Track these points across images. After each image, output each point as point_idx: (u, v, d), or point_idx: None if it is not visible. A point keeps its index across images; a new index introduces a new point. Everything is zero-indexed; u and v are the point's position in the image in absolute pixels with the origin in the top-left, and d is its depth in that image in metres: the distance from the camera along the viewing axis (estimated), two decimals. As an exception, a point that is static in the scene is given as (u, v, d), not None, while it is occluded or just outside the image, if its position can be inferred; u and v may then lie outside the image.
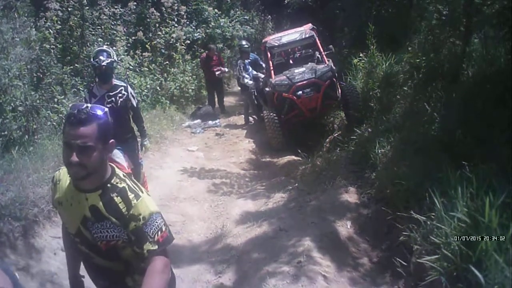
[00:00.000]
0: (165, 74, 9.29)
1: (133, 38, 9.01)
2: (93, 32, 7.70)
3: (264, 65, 9.07)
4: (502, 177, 2.55)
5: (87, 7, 7.63)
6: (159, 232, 1.54)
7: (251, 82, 8.27)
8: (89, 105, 1.50)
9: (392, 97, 5.58)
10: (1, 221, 3.38)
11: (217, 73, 9.18)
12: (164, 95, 8.86)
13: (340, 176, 4.56)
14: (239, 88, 9.46)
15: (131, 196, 1.57)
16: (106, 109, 1.55)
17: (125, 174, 1.65)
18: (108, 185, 1.58)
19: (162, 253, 1.56)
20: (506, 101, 3.25)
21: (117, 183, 1.59)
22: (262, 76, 8.52)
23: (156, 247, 1.53)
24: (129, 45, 8.64)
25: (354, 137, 5.37)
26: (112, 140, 1.55)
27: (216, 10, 12.29)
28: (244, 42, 9.22)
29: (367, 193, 4.06)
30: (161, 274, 1.50)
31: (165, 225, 1.58)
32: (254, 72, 8.58)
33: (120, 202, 1.55)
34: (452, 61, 4.61)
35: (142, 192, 1.62)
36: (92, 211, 1.57)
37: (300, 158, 6.16)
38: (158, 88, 8.75)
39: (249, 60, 8.73)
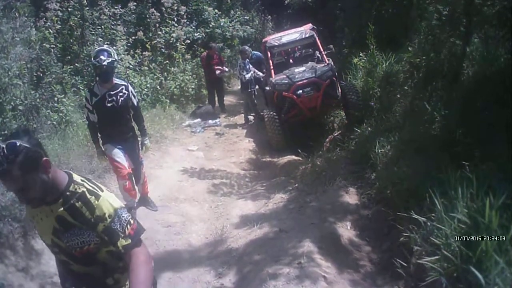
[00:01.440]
0: (165, 73, 9.29)
1: (133, 38, 9.01)
2: (93, 32, 7.71)
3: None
4: (502, 177, 2.55)
5: (87, 7, 7.64)
6: (128, 226, 1.58)
7: (247, 75, 8.29)
8: (4, 146, 1.44)
9: (392, 97, 5.58)
10: (1, 222, 3.38)
11: (217, 72, 9.19)
12: (164, 94, 8.87)
13: (340, 176, 4.56)
14: (239, 87, 9.48)
15: (91, 198, 1.59)
16: (21, 141, 1.47)
17: (83, 179, 1.66)
18: (67, 193, 1.60)
19: (138, 245, 1.59)
20: (506, 101, 3.24)
21: (75, 189, 1.61)
22: (262, 75, 8.55)
23: (130, 240, 1.57)
24: (129, 44, 8.64)
25: (354, 137, 5.37)
26: (44, 158, 1.52)
27: (216, 10, 12.29)
28: (246, 47, 9.35)
29: (367, 193, 4.06)
30: (145, 265, 1.54)
31: (132, 218, 1.62)
32: (256, 72, 8.63)
33: (81, 207, 1.57)
34: (452, 61, 4.60)
35: (102, 191, 1.63)
36: (59, 221, 1.60)
37: (300, 158, 6.17)
38: (158, 87, 8.75)
39: (253, 58, 8.72)
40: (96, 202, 1.58)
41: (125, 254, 1.57)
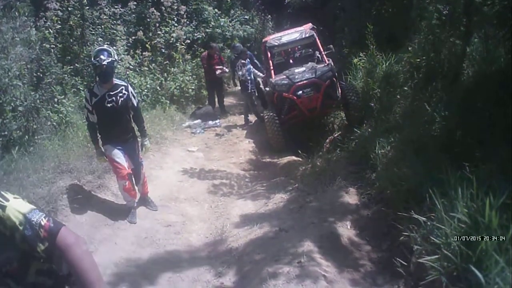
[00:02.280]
0: (165, 73, 9.29)
1: (133, 37, 9.02)
2: (93, 32, 7.71)
3: (258, 63, 9.11)
4: (502, 177, 2.55)
5: (87, 7, 7.64)
6: (41, 229, 1.53)
7: (240, 73, 8.34)
8: None
9: (392, 97, 5.58)
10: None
11: (217, 72, 9.20)
12: (164, 95, 8.87)
13: (340, 176, 4.56)
14: (239, 88, 9.49)
15: None
16: None
17: None
18: None
19: (54, 242, 1.53)
20: (506, 101, 3.24)
21: None
22: (261, 75, 8.55)
23: (47, 243, 1.53)
24: (129, 44, 8.65)
25: (354, 137, 5.37)
26: None
27: (216, 10, 12.30)
28: (237, 45, 9.38)
29: (367, 193, 4.06)
30: (81, 254, 1.53)
31: (45, 217, 1.56)
32: (257, 72, 8.64)
33: None
34: (452, 61, 4.61)
35: (8, 200, 1.56)
36: None
37: (300, 159, 6.16)
38: (158, 88, 8.76)
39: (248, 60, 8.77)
40: (3, 213, 1.51)
41: (53, 254, 1.54)
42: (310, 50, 8.60)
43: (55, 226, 1.57)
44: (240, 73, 8.45)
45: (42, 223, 1.54)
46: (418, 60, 5.20)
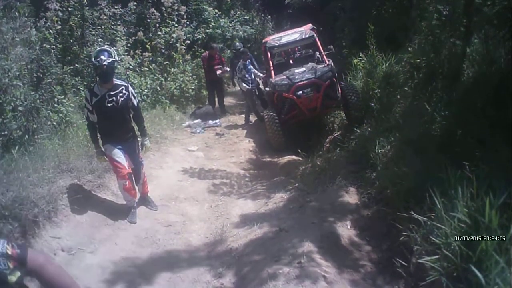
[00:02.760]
0: (165, 74, 9.30)
1: (133, 38, 9.03)
2: (93, 32, 7.72)
3: (257, 65, 9.13)
4: (502, 177, 2.54)
5: (87, 7, 7.65)
6: (9, 260, 1.47)
7: (245, 86, 8.32)
8: None
9: (392, 97, 5.59)
10: (1, 221, 3.38)
11: (218, 72, 9.20)
12: (164, 95, 8.88)
13: (340, 176, 4.56)
14: (239, 88, 9.49)
15: None
16: None
17: None
18: None
19: (31, 263, 1.50)
20: (506, 101, 3.24)
21: None
22: (261, 75, 8.55)
23: (18, 273, 1.47)
24: (129, 45, 8.65)
25: (354, 137, 5.37)
26: None
27: (216, 10, 12.32)
28: (237, 44, 9.36)
29: (367, 193, 4.05)
30: (56, 271, 1.53)
31: (8, 244, 1.50)
32: (257, 72, 8.64)
33: None
34: (452, 61, 4.61)
35: None
36: None
37: (300, 158, 6.17)
38: (158, 88, 8.77)
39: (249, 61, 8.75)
40: None
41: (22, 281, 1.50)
42: (310, 50, 8.60)
43: (21, 251, 1.52)
44: (237, 76, 8.46)
45: (9, 252, 1.48)
46: (418, 60, 5.20)
